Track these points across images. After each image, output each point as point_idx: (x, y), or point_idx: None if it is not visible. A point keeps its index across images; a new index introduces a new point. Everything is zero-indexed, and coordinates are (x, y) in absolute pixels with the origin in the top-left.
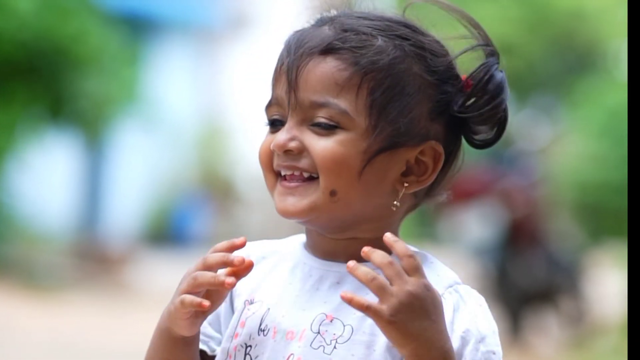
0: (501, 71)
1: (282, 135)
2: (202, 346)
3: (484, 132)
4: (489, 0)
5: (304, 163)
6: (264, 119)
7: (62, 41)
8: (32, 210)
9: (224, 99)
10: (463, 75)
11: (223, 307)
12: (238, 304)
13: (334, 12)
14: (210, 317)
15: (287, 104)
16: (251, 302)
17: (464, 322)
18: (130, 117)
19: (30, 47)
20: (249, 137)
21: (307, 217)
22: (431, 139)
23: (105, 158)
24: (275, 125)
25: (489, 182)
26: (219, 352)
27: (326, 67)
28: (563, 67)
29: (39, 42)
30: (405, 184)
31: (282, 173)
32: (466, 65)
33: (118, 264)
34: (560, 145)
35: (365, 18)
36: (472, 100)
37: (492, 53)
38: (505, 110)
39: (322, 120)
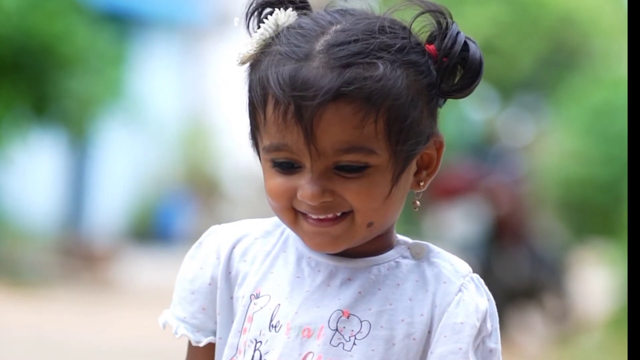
0: (472, 41)
1: (311, 189)
2: (190, 335)
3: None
4: (478, 3)
5: (339, 208)
6: (268, 160)
7: (47, 39)
8: (17, 207)
9: (209, 96)
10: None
11: (218, 292)
12: (239, 294)
13: (313, 35)
14: (204, 302)
15: (308, 154)
16: (257, 297)
17: (483, 309)
18: (115, 115)
19: (15, 45)
20: (233, 134)
21: (344, 249)
22: (433, 133)
23: (90, 156)
24: (283, 166)
25: (474, 180)
26: (226, 347)
27: (341, 115)
28: (547, 65)
29: (23, 39)
30: (421, 183)
31: (314, 216)
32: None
33: (102, 262)
34: (544, 142)
35: (350, 42)
36: (457, 79)
37: (442, 14)
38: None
39: (351, 164)
